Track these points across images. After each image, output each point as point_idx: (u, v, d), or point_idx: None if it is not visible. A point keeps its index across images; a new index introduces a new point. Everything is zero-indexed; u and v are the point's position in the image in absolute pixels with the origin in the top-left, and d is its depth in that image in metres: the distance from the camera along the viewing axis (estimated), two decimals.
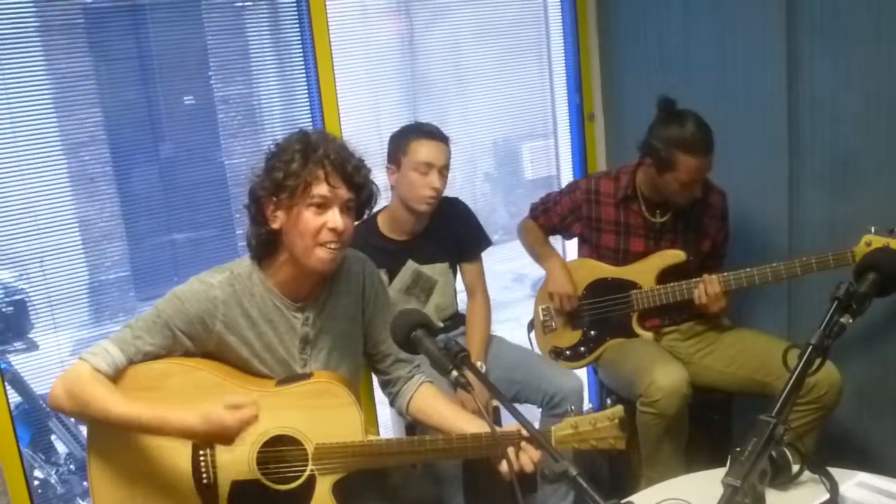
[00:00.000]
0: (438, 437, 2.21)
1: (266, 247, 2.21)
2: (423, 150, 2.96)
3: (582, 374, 3.31)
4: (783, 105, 3.24)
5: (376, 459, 2.20)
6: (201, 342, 2.19)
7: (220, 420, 2.01)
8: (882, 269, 1.87)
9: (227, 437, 2.05)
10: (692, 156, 2.90)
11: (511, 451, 2.11)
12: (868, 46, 2.98)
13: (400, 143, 3.00)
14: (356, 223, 2.22)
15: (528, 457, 2.10)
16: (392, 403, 2.51)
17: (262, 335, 2.23)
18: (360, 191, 2.15)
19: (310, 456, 2.17)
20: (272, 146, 2.17)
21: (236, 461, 2.16)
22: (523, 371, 3.11)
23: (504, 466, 2.10)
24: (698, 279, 3.05)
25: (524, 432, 2.07)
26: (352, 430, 2.17)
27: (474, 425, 2.24)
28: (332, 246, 2.12)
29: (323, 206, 2.10)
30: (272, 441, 2.18)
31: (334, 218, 2.10)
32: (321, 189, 2.09)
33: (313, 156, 2.09)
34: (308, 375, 2.24)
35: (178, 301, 2.15)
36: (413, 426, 2.88)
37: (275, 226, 2.15)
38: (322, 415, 2.18)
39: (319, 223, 2.10)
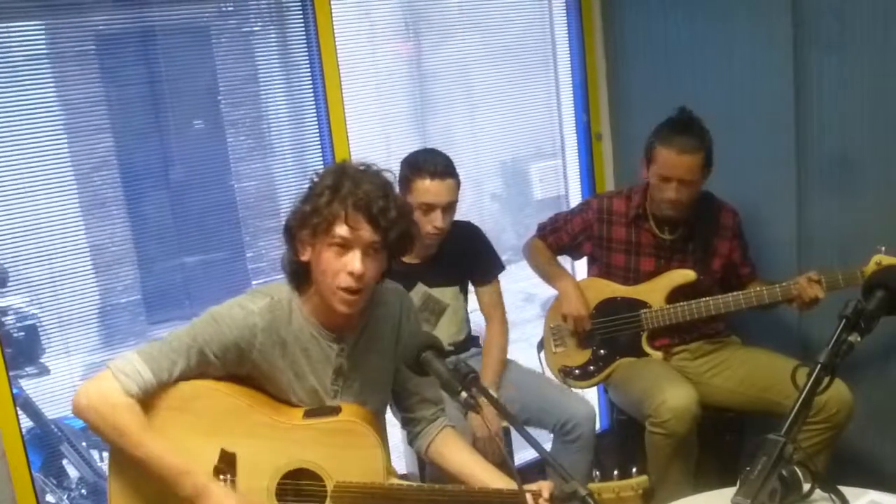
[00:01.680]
0: (460, 486, 2.18)
1: (298, 276, 2.18)
2: (424, 191, 2.91)
3: (592, 392, 3.30)
4: (791, 119, 3.25)
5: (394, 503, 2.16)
6: (234, 367, 2.16)
7: None
8: (890, 287, 1.88)
9: None
10: (668, 148, 2.93)
11: (530, 500, 2.01)
12: (875, 58, 2.99)
13: (404, 179, 2.94)
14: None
15: None
16: (411, 443, 2.46)
17: (294, 363, 2.19)
18: (386, 232, 2.05)
19: (328, 493, 2.14)
20: (315, 175, 2.14)
21: (256, 489, 2.14)
22: (535, 396, 3.10)
23: None
24: (709, 298, 3.05)
25: (545, 493, 2.00)
26: (373, 473, 2.14)
27: (495, 477, 2.19)
28: (352, 290, 2.06)
29: (344, 247, 2.05)
30: (293, 473, 2.15)
31: (353, 261, 2.04)
32: (341, 230, 2.03)
33: (339, 193, 2.03)
34: (336, 410, 2.20)
35: (216, 325, 2.11)
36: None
37: (304, 258, 2.13)
38: (345, 454, 2.14)
39: (339, 265, 2.05)
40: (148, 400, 2.08)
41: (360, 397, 2.26)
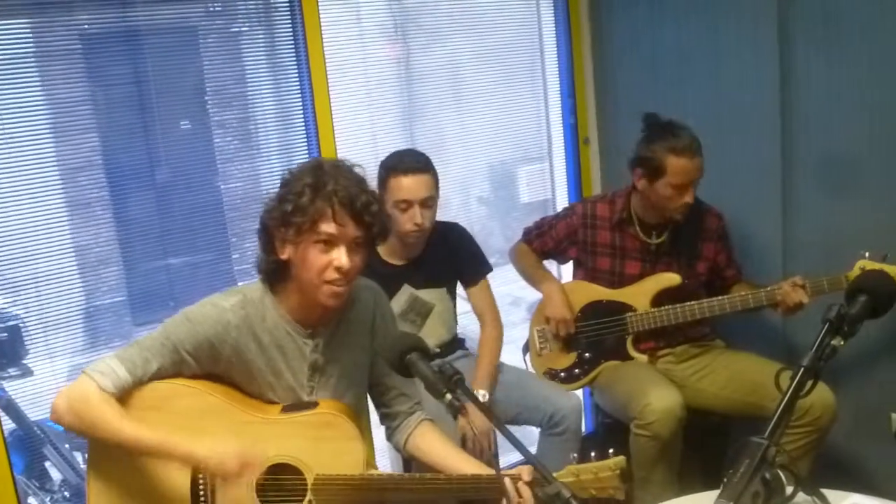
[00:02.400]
0: (439, 475, 2.19)
1: (275, 273, 2.19)
2: (400, 188, 2.92)
3: (577, 396, 3.30)
4: (777, 125, 3.27)
5: (375, 494, 2.17)
6: (209, 365, 2.18)
7: (223, 461, 2.02)
8: (873, 292, 1.89)
9: (222, 474, 2.06)
10: (681, 157, 2.93)
11: (509, 484, 2.06)
12: (861, 65, 3.01)
13: (380, 178, 2.95)
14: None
15: (528, 493, 2.05)
16: (389, 438, 2.48)
17: (270, 361, 2.21)
18: (369, 228, 2.09)
19: (309, 486, 2.15)
20: (287, 173, 2.14)
21: (236, 487, 2.14)
22: (522, 392, 3.11)
23: None
24: (693, 302, 3.06)
25: (525, 476, 2.05)
26: (353, 464, 2.15)
27: (473, 466, 2.22)
28: (338, 284, 2.09)
29: (329, 243, 2.07)
30: (273, 469, 2.16)
31: (340, 257, 2.06)
32: (328, 227, 2.05)
33: (322, 191, 2.04)
34: (314, 404, 2.22)
35: (190, 324, 2.13)
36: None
37: (283, 256, 2.13)
38: (324, 446, 2.16)
39: (325, 261, 2.07)
40: (126, 400, 2.10)
41: (336, 392, 2.28)
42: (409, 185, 2.92)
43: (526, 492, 2.05)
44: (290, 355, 2.22)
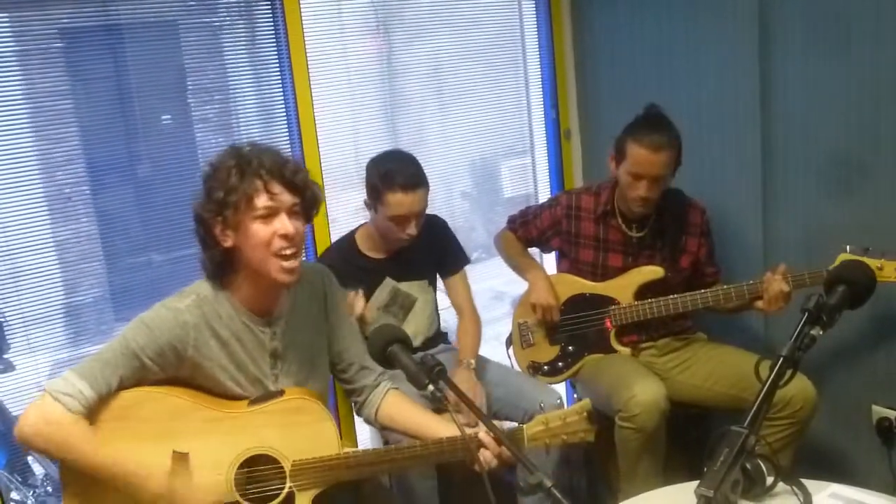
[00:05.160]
0: (415, 443, 2.22)
1: (223, 267, 2.18)
2: (398, 205, 2.91)
3: (560, 389, 3.32)
4: (757, 120, 3.27)
5: (354, 471, 2.20)
6: (173, 369, 2.16)
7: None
8: (851, 282, 1.91)
9: None
10: (641, 146, 2.93)
11: (483, 451, 2.11)
12: (841, 61, 3.02)
13: (375, 190, 2.94)
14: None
15: (490, 452, 2.10)
16: (359, 413, 2.51)
17: (233, 354, 2.21)
18: (303, 193, 2.13)
19: (287, 473, 2.16)
20: (206, 167, 2.15)
21: (214, 485, 2.15)
22: (503, 388, 3.12)
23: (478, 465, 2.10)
24: (676, 295, 3.07)
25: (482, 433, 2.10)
26: (328, 445, 2.18)
27: (446, 428, 2.24)
28: (287, 252, 2.10)
29: (269, 216, 2.08)
30: (249, 461, 2.17)
31: (283, 223, 2.08)
32: (263, 200, 2.07)
33: (249, 168, 2.07)
34: (280, 393, 2.23)
35: (148, 329, 2.11)
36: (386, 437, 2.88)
37: (227, 244, 2.12)
38: (297, 431, 2.17)
39: (269, 232, 2.08)
40: (91, 416, 2.08)
41: (300, 376, 2.30)
42: (406, 203, 2.92)
43: (489, 440, 2.10)
44: (249, 346, 2.23)
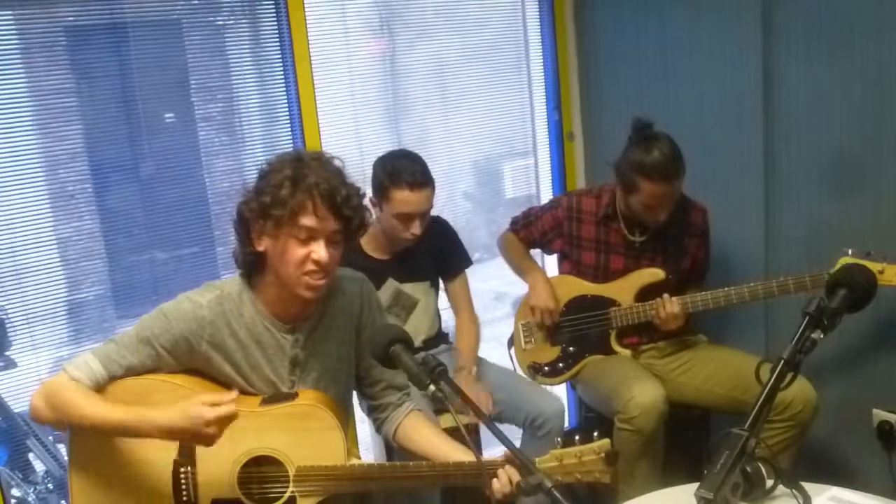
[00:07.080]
0: (422, 463, 2.18)
1: (252, 266, 2.18)
2: (404, 202, 2.91)
3: (561, 389, 3.32)
4: (759, 121, 3.28)
5: (357, 484, 2.17)
6: (186, 361, 2.17)
7: (200, 414, 1.99)
8: (852, 286, 1.91)
9: (206, 435, 2.02)
10: (652, 182, 2.92)
11: (495, 480, 2.04)
12: (844, 63, 3.02)
13: (381, 188, 2.94)
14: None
15: (508, 476, 2.04)
16: (378, 430, 2.46)
17: (249, 356, 2.19)
18: (348, 222, 2.08)
19: (291, 478, 2.15)
20: (265, 164, 2.12)
21: (217, 479, 2.15)
22: (506, 392, 3.11)
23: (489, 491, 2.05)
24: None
25: (513, 478, 2.03)
26: (334, 454, 2.14)
27: (461, 454, 2.19)
28: (316, 277, 2.08)
29: (308, 238, 2.05)
30: (254, 461, 2.16)
31: (319, 250, 2.05)
32: (308, 221, 2.03)
33: (302, 184, 2.01)
34: (293, 395, 2.21)
35: (165, 319, 2.13)
36: (391, 446, 2.87)
37: (260, 248, 2.12)
38: (305, 437, 2.15)
39: (303, 254, 2.05)
40: (105, 396, 2.10)
41: (318, 387, 2.26)
42: (413, 201, 2.92)
43: (504, 476, 2.04)
44: (269, 350, 2.21)
